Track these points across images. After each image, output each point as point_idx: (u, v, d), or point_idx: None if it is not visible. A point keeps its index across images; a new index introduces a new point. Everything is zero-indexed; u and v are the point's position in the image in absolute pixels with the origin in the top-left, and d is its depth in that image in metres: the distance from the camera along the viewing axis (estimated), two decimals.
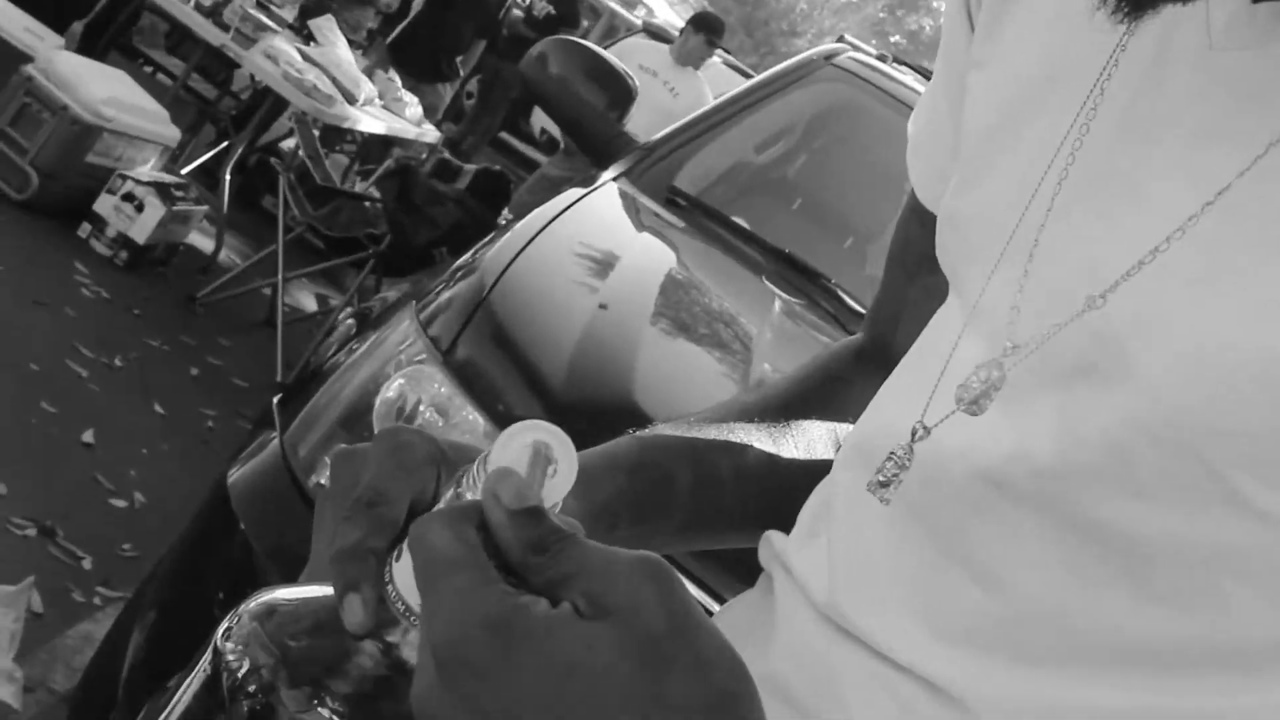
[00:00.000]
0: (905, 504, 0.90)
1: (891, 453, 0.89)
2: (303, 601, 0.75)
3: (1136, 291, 0.79)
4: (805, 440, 1.23)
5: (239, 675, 0.71)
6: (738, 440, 1.18)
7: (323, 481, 2.61)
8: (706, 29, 8.24)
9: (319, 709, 0.70)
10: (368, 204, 6.10)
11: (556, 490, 0.68)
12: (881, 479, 0.90)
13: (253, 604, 0.75)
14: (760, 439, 1.20)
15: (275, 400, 2.84)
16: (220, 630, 0.74)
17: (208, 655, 0.74)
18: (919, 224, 1.14)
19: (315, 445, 2.65)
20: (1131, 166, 0.83)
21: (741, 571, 1.22)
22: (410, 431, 0.80)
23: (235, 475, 2.67)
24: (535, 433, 0.68)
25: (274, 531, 2.56)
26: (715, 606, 1.93)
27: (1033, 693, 0.83)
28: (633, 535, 1.04)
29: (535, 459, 0.67)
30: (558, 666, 0.58)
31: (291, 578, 2.71)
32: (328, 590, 0.72)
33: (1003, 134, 0.95)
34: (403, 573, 0.68)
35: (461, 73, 9.21)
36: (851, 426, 1.10)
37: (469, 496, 0.67)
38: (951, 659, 0.87)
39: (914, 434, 0.89)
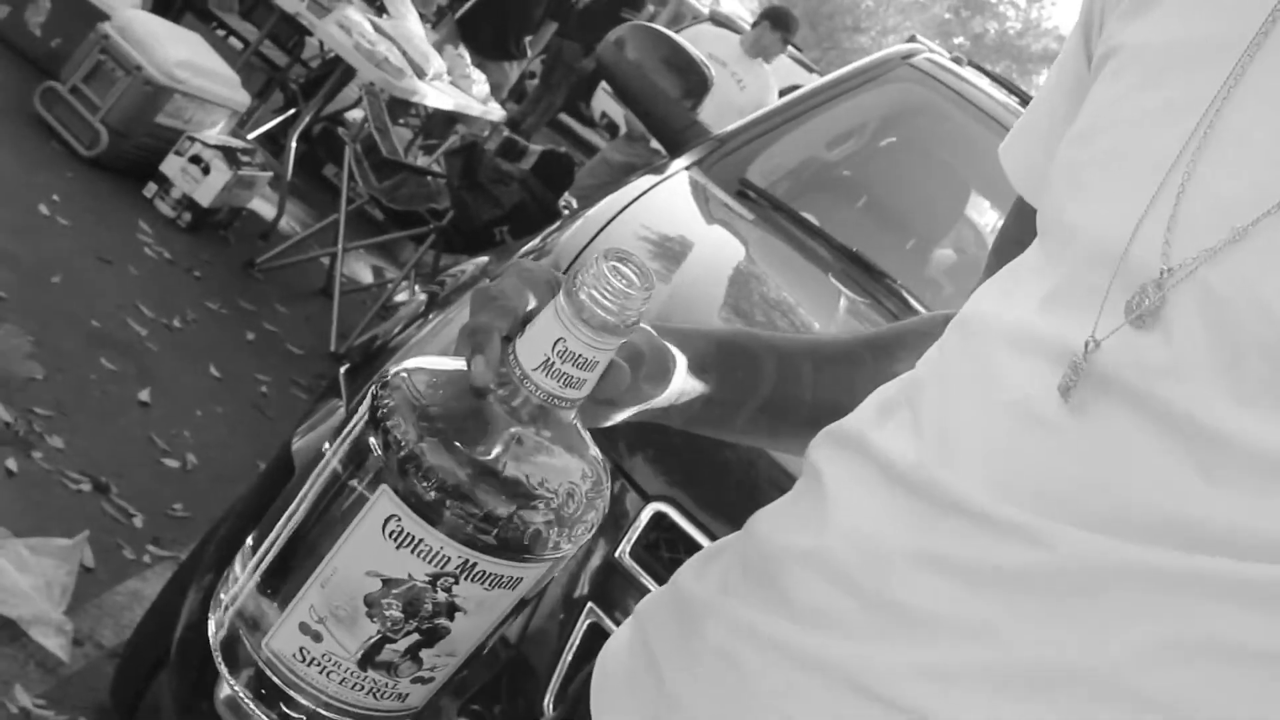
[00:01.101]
0: (1070, 406, 0.94)
1: (1073, 361, 0.93)
2: (442, 369, 0.96)
3: (1273, 226, 0.86)
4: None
5: (387, 414, 0.89)
6: (820, 343, 1.41)
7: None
8: (783, 26, 8.24)
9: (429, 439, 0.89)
10: (431, 179, 6.10)
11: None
12: (1062, 385, 0.94)
13: (405, 365, 0.95)
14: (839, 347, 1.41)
15: (343, 370, 2.85)
16: (376, 381, 0.94)
17: (368, 399, 0.93)
18: (1016, 217, 1.28)
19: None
20: (1263, 121, 0.91)
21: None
22: (533, 263, 1.04)
23: (300, 443, 2.68)
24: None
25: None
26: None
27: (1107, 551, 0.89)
28: (715, 406, 1.22)
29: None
30: None
31: None
32: (461, 363, 0.93)
33: (1149, 86, 1.02)
34: (522, 348, 0.92)
35: (530, 53, 9.20)
36: None
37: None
38: (1039, 511, 0.93)
39: (1086, 346, 0.92)
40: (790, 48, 12.50)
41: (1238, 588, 0.83)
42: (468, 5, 8.80)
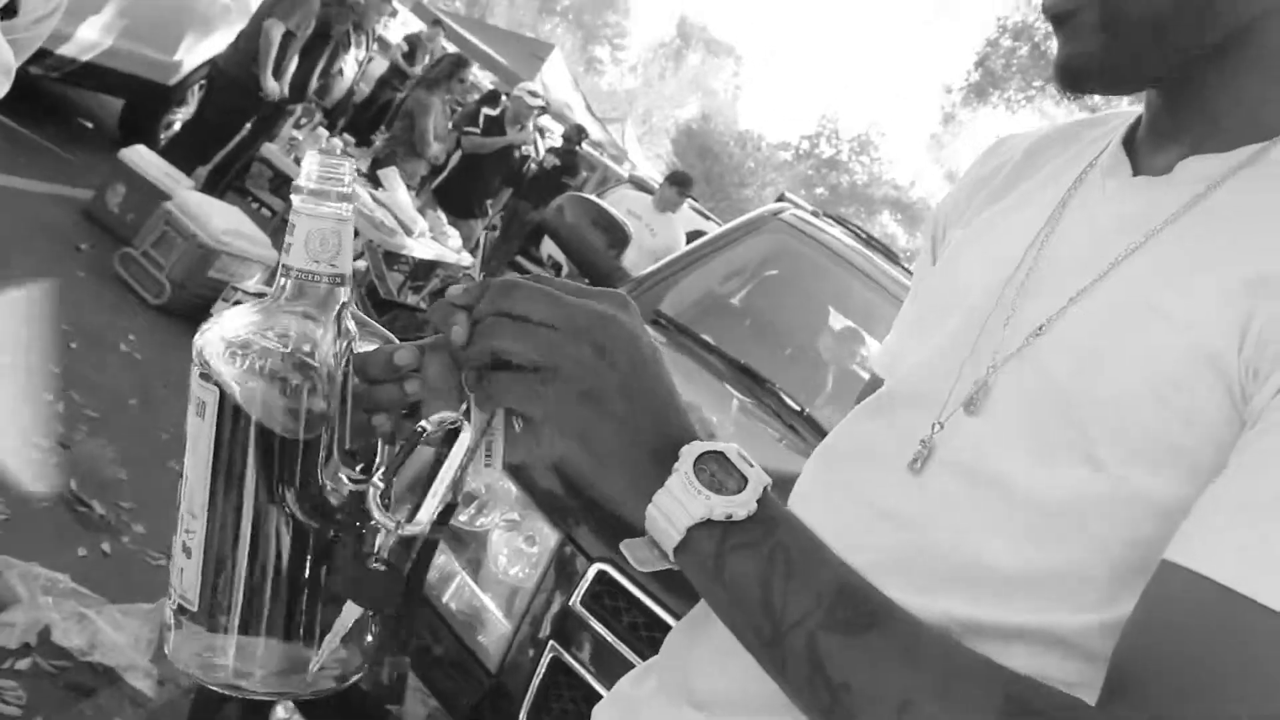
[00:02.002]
0: (919, 481, 0.97)
1: (921, 440, 0.97)
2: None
3: (1064, 323, 0.93)
4: None
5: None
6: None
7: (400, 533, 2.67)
8: (680, 184, 8.41)
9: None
10: (419, 313, 6.17)
11: None
12: (914, 460, 0.97)
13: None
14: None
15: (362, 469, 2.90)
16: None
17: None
18: (872, 386, 1.23)
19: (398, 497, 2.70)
20: (1059, 261, 0.99)
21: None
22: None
23: None
24: None
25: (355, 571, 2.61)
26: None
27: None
28: None
29: None
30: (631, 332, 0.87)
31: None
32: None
33: (984, 237, 1.11)
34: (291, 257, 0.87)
35: (490, 212, 9.30)
36: None
37: None
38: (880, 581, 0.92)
39: (933, 428, 0.97)
40: (690, 201, 12.64)
41: (1052, 641, 0.85)
42: (442, 177, 8.90)
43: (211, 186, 6.65)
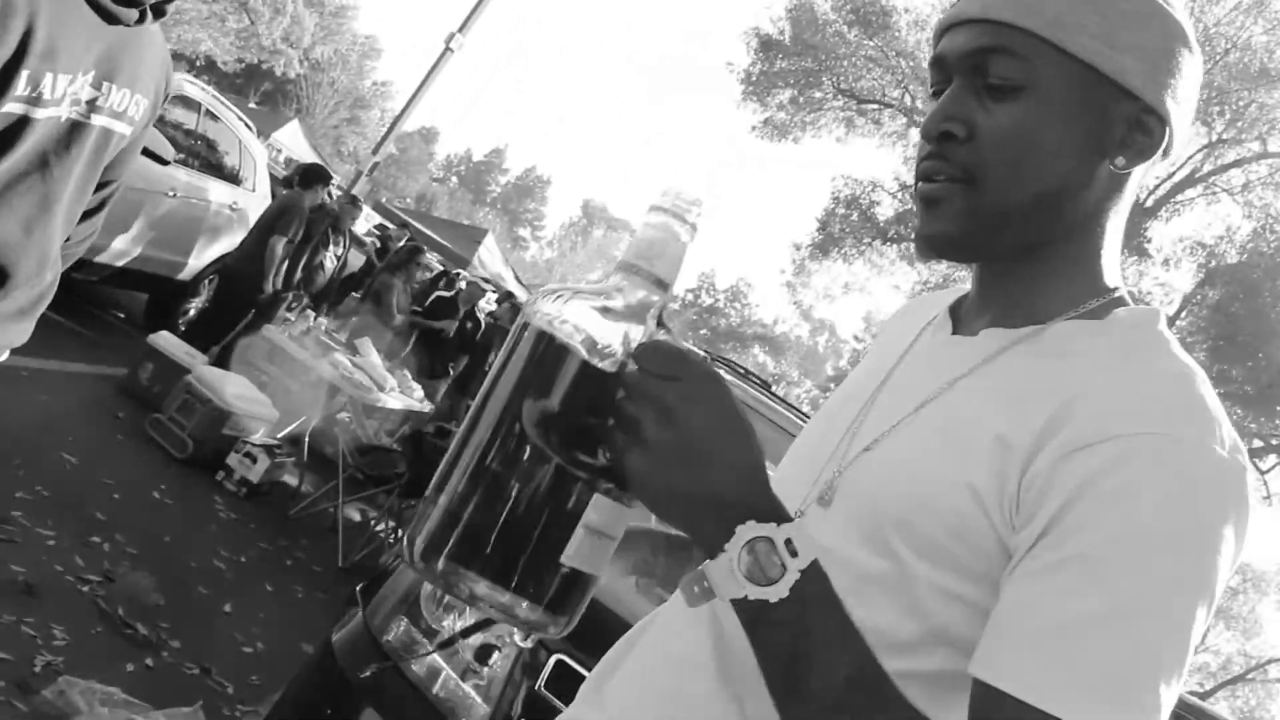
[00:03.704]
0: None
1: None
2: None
3: (885, 442, 0.97)
4: None
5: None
6: None
7: (390, 639, 2.66)
8: None
9: None
10: (393, 454, 6.15)
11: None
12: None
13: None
14: None
15: (359, 587, 2.88)
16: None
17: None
18: None
19: (384, 616, 2.69)
20: (892, 394, 1.02)
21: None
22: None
23: (336, 637, 2.69)
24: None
25: (362, 670, 2.58)
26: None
27: None
28: None
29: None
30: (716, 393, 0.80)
31: (376, 705, 2.72)
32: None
33: (850, 381, 1.15)
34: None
35: (451, 372, 9.31)
36: None
37: None
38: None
39: (797, 514, 0.98)
40: None
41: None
42: (409, 348, 8.92)
43: (223, 361, 6.60)
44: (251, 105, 38.84)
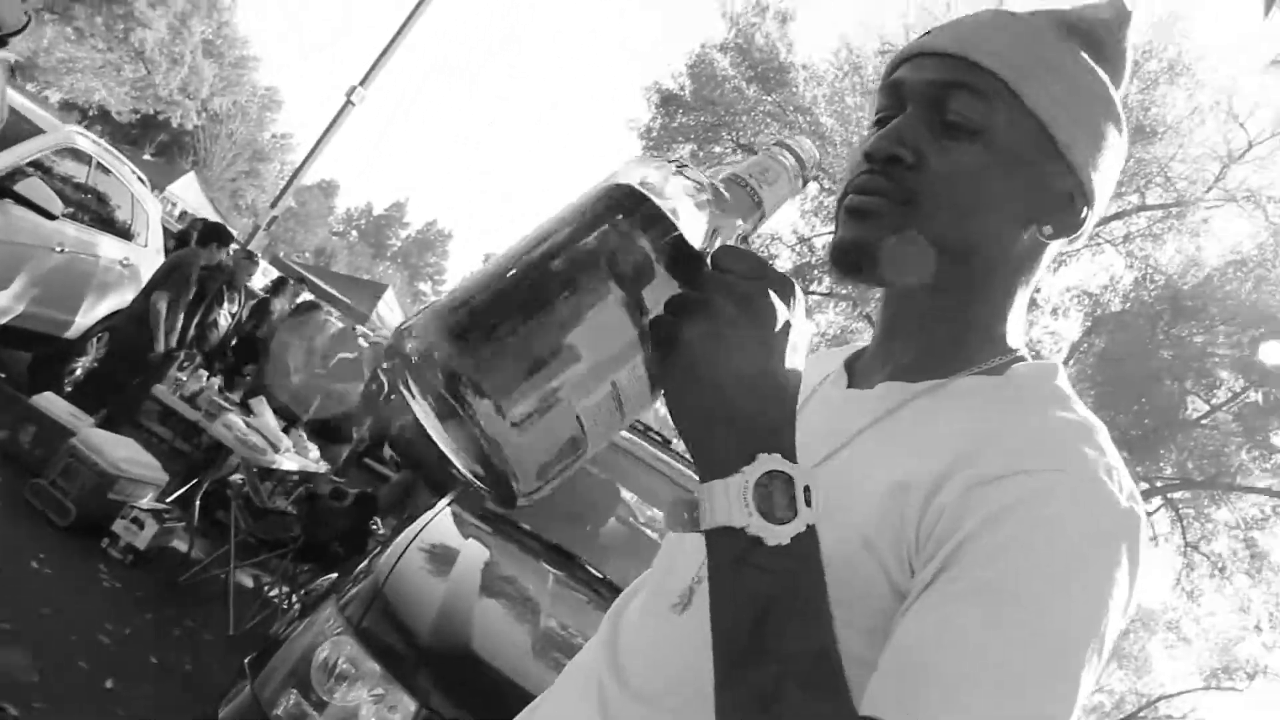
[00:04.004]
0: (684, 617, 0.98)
1: (683, 590, 0.99)
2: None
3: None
4: None
5: None
6: None
7: (279, 713, 2.58)
8: None
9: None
10: (287, 516, 6.00)
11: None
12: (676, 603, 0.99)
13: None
14: None
15: (247, 660, 2.80)
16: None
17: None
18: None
19: (274, 689, 2.62)
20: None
21: None
22: None
23: (223, 712, 2.62)
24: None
25: None
26: None
27: None
28: None
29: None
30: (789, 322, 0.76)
31: None
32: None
33: None
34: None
35: (355, 436, 9.15)
36: None
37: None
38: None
39: (693, 580, 0.99)
40: None
41: None
42: (313, 410, 8.72)
43: (111, 424, 6.38)
44: (146, 157, 38.08)
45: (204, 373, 6.69)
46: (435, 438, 0.75)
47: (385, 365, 0.74)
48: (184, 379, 6.47)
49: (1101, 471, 0.83)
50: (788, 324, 0.75)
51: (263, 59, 56.74)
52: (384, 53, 16.84)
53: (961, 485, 0.82)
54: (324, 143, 16.93)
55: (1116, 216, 17.34)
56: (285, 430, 7.04)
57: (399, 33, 16.80)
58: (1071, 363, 17.80)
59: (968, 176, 0.92)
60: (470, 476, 0.76)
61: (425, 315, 0.71)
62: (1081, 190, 0.97)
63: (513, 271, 0.72)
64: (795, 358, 0.77)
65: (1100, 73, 0.98)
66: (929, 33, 1.00)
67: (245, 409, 6.74)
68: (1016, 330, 1.01)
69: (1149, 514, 18.73)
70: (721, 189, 0.79)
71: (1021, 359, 0.99)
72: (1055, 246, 1.00)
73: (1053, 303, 18.19)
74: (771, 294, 0.75)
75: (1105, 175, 0.99)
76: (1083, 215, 0.98)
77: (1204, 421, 16.65)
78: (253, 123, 51.99)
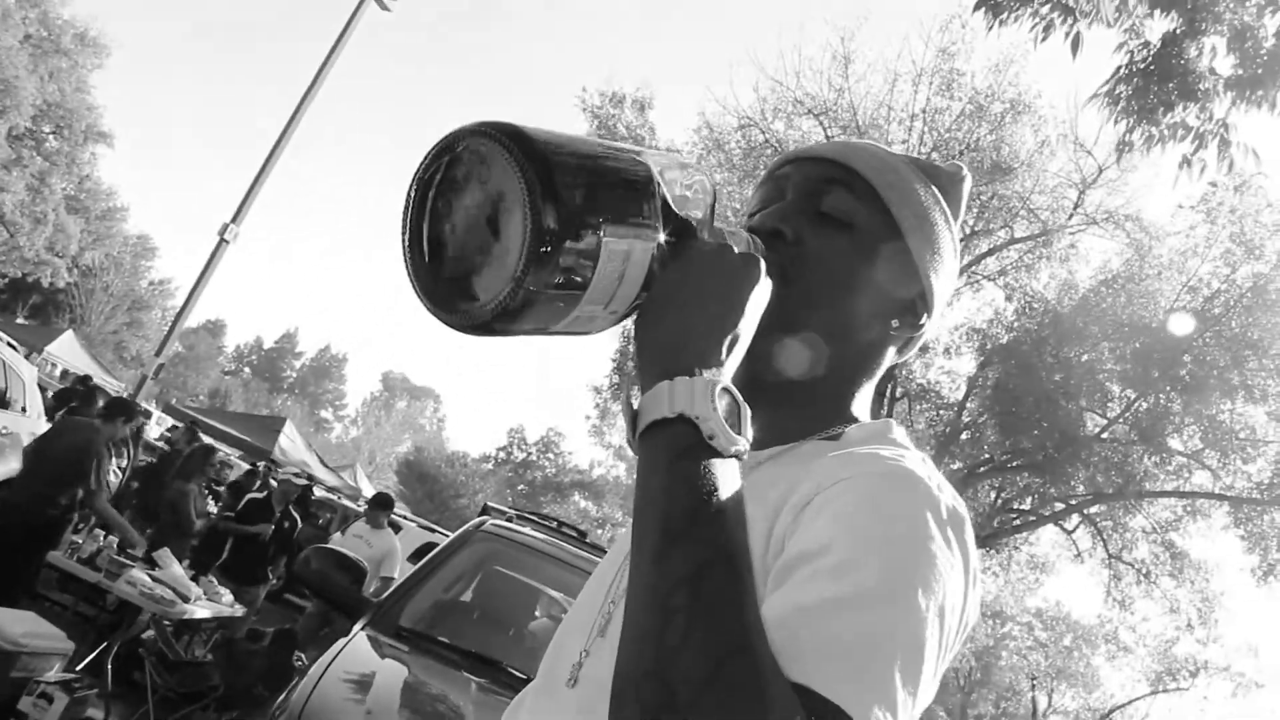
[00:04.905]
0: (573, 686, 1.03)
1: (574, 663, 1.03)
2: None
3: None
4: None
5: None
6: None
7: None
8: (380, 505, 8.96)
9: None
10: (204, 666, 5.85)
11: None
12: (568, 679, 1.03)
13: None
14: None
15: None
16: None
17: None
18: None
19: None
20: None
21: None
22: None
23: None
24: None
25: None
26: None
27: None
28: None
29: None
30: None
31: None
32: None
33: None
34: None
35: (270, 576, 8.96)
36: None
37: None
38: None
39: (581, 654, 1.04)
40: (414, 517, 12.47)
41: None
42: (224, 557, 8.49)
43: (6, 598, 6.17)
44: (20, 320, 37.14)
45: (100, 532, 6.52)
46: (434, 211, 0.86)
47: (441, 152, 0.85)
48: (80, 541, 6.30)
49: (906, 465, 0.92)
50: (756, 277, 0.90)
51: (130, 207, 56.02)
52: (252, 188, 16.79)
53: (790, 515, 0.90)
54: (203, 284, 16.75)
55: (989, 253, 18.01)
56: (195, 578, 6.88)
57: (263, 168, 16.78)
58: (972, 398, 18.29)
59: (838, 259, 1.04)
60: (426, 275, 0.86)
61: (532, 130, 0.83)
62: (923, 297, 1.10)
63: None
64: (754, 317, 0.90)
65: (945, 205, 1.13)
66: (810, 146, 1.16)
67: (150, 562, 6.58)
68: (862, 408, 1.11)
69: (1069, 532, 19.20)
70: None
71: (859, 423, 1.08)
72: (896, 345, 1.12)
73: (944, 343, 18.73)
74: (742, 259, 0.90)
75: (941, 292, 1.13)
76: (923, 320, 1.11)
77: (1104, 435, 17.18)
78: (128, 273, 51.13)
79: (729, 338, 0.86)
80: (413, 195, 0.87)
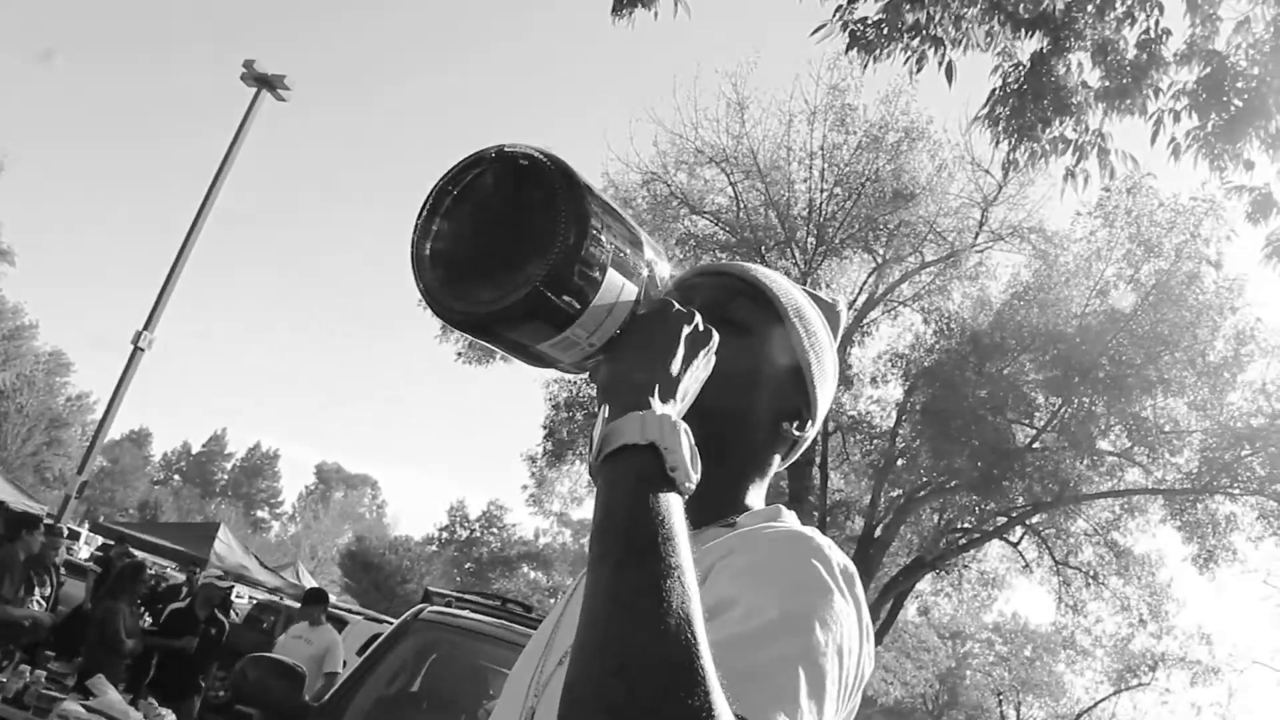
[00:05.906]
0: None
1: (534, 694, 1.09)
2: None
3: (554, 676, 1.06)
4: None
5: None
6: None
7: None
8: (315, 600, 8.70)
9: None
10: None
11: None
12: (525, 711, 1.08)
13: None
14: None
15: None
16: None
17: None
18: None
19: None
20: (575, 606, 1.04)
21: None
22: None
23: None
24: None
25: None
26: None
27: None
28: None
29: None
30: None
31: None
32: None
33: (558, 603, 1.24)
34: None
35: (203, 686, 8.72)
36: None
37: None
38: None
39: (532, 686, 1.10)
40: (363, 610, 12.21)
41: None
42: (152, 673, 8.24)
43: None
44: None
45: (25, 667, 6.30)
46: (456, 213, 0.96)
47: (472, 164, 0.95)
48: (4, 680, 6.07)
49: (796, 529, 1.04)
50: (714, 344, 1.05)
51: (39, 324, 54.87)
52: (163, 292, 16.55)
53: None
54: (121, 395, 16.41)
55: (901, 279, 18.34)
56: (133, 702, 6.67)
57: (172, 271, 16.56)
58: (904, 424, 18.50)
59: (738, 359, 1.15)
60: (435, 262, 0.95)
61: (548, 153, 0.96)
62: (808, 405, 1.22)
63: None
64: (703, 378, 1.04)
65: (829, 329, 1.28)
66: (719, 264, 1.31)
67: (84, 691, 6.36)
68: (756, 500, 1.20)
69: (1014, 544, 19.42)
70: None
71: (750, 510, 1.18)
72: (783, 450, 1.23)
73: (869, 372, 18.96)
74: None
75: (823, 404, 1.25)
76: (808, 427, 1.22)
77: (1035, 445, 17.46)
78: (42, 391, 50.02)
79: (685, 388, 0.99)
80: (432, 199, 0.97)
